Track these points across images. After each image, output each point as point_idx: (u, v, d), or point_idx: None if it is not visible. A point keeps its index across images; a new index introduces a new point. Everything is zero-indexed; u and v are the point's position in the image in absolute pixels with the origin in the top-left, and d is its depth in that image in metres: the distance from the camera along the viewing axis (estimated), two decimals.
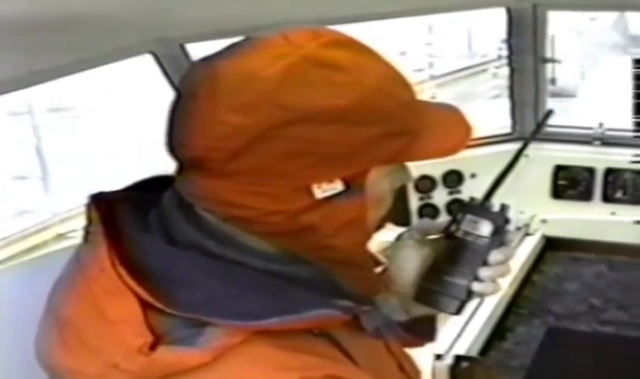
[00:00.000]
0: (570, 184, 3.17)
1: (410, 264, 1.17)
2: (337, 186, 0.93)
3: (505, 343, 2.69)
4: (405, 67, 1.02)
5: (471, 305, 2.65)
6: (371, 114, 0.92)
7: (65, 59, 1.65)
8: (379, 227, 1.05)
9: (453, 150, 1.03)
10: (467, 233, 1.11)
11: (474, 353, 2.42)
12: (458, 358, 2.10)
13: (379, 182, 0.99)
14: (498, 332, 2.71)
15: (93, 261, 0.97)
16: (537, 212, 3.25)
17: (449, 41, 12.99)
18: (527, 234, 3.26)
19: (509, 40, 3.08)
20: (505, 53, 3.18)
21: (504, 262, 1.13)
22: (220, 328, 0.90)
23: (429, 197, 3.08)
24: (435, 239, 1.17)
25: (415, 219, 3.07)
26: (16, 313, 1.40)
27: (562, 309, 2.91)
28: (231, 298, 0.92)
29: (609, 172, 3.11)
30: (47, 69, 1.62)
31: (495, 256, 1.12)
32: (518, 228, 3.28)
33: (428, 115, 1.01)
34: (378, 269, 1.12)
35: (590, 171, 3.13)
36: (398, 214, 2.94)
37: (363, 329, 1.07)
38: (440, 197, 3.09)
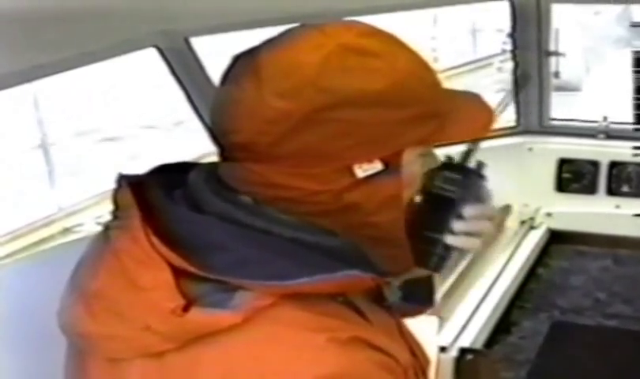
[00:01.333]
0: (574, 177, 3.17)
1: None
2: (377, 166, 0.98)
3: (510, 337, 2.70)
4: (429, 56, 1.07)
5: (475, 298, 2.67)
6: (406, 97, 0.98)
7: (68, 53, 1.65)
8: None
9: (481, 131, 1.10)
10: (441, 188, 1.12)
11: (479, 346, 2.43)
12: (463, 351, 2.10)
13: (413, 163, 1.03)
14: (504, 325, 2.72)
15: (124, 235, 0.99)
16: (542, 205, 3.25)
17: (454, 34, 12.96)
18: (532, 228, 3.26)
19: (513, 34, 3.08)
20: (509, 47, 3.18)
21: (479, 217, 1.14)
22: (250, 291, 0.93)
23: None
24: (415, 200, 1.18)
25: None
26: (23, 307, 1.41)
27: (567, 303, 2.92)
28: (261, 261, 0.95)
29: (613, 165, 3.10)
30: (51, 62, 1.62)
31: (468, 210, 1.12)
32: (523, 221, 3.28)
33: (456, 99, 1.07)
34: (415, 275, 1.12)
35: (595, 164, 3.13)
36: None
37: (381, 305, 1.09)
38: None
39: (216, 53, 2.04)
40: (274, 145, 0.95)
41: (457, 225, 1.12)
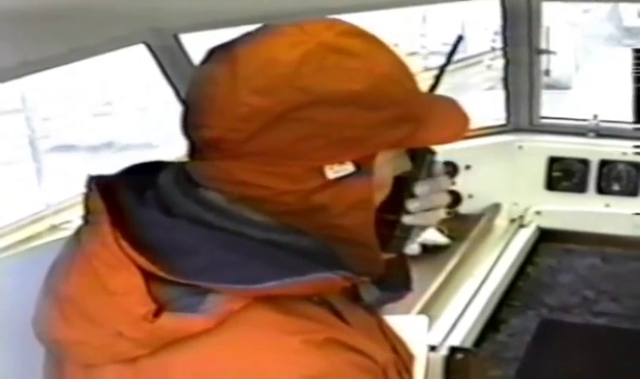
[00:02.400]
0: (564, 176, 3.17)
1: None
2: (348, 167, 0.97)
3: (498, 335, 2.70)
4: (410, 60, 1.07)
5: (464, 297, 2.67)
6: (382, 99, 0.97)
7: (58, 49, 1.64)
8: None
9: (453, 137, 1.07)
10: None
11: (468, 344, 2.43)
12: (453, 350, 2.10)
13: (384, 166, 1.02)
14: (493, 323, 2.72)
15: (94, 239, 0.98)
16: (531, 203, 3.26)
17: (443, 32, 12.98)
18: (521, 226, 3.27)
19: (504, 32, 3.08)
20: (499, 44, 3.18)
21: (433, 192, 1.14)
22: (221, 294, 0.92)
23: None
24: None
25: None
26: (10, 305, 1.40)
27: (556, 300, 2.93)
28: (232, 264, 0.94)
29: (603, 164, 3.11)
30: (40, 59, 1.61)
31: (420, 187, 1.12)
32: (512, 220, 3.28)
33: (431, 104, 1.06)
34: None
35: (584, 163, 3.13)
36: None
37: (359, 304, 1.09)
38: None
39: (205, 50, 2.03)
40: (244, 142, 0.93)
41: (411, 204, 1.12)
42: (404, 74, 1.02)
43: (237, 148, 0.94)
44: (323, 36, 0.96)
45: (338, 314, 1.02)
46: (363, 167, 0.98)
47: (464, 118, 1.07)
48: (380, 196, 1.05)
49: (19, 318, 1.32)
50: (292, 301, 0.96)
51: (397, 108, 0.98)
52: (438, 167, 1.14)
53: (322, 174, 0.96)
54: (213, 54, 1.00)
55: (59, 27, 1.50)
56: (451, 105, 1.09)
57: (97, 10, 1.50)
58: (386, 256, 1.15)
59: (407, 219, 1.13)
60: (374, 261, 1.06)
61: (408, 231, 1.14)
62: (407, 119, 0.99)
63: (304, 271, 0.95)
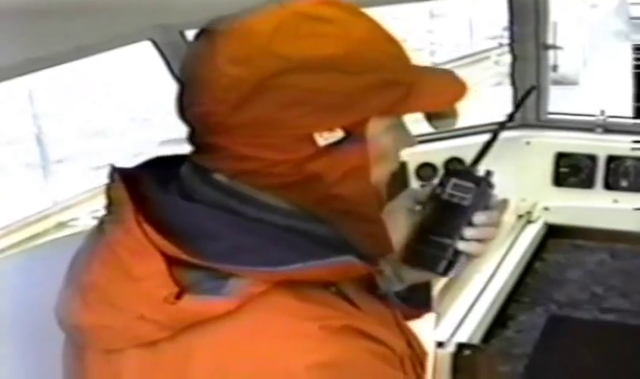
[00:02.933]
0: (571, 171, 3.16)
1: (400, 231, 1.19)
2: (338, 134, 0.97)
3: (507, 331, 2.69)
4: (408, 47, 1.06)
5: (472, 293, 2.67)
6: (363, 64, 0.97)
7: (64, 46, 1.64)
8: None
9: (449, 102, 1.07)
10: (452, 195, 1.15)
11: (476, 341, 2.42)
12: (460, 346, 2.10)
13: (381, 135, 1.02)
14: (500, 319, 2.71)
15: (117, 227, 0.99)
16: (539, 199, 3.25)
17: (451, 28, 12.96)
18: (529, 222, 3.26)
19: (511, 27, 3.07)
20: (506, 40, 3.17)
21: (489, 224, 1.17)
22: (243, 278, 0.92)
23: (430, 185, 3.07)
24: (424, 205, 1.20)
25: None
26: (18, 302, 1.40)
27: (564, 297, 2.92)
28: (253, 248, 0.95)
29: (611, 159, 3.10)
30: (46, 56, 1.61)
31: (479, 217, 1.15)
32: (520, 216, 3.28)
33: (424, 72, 1.05)
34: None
35: (592, 159, 3.12)
36: None
37: (376, 295, 1.09)
38: None
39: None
40: (230, 114, 0.94)
41: (467, 231, 1.15)
42: (386, 42, 1.02)
43: (224, 121, 0.95)
44: (298, 7, 0.97)
45: (354, 304, 1.02)
46: (354, 134, 0.97)
47: (460, 85, 1.06)
48: (383, 169, 1.05)
49: (27, 314, 1.33)
50: (311, 288, 0.96)
51: (381, 73, 0.98)
52: (496, 201, 1.17)
53: (313, 142, 0.96)
54: (197, 36, 1.02)
55: (64, 24, 1.49)
56: (447, 74, 1.08)
57: (103, 7, 1.50)
58: (421, 273, 1.19)
59: (461, 246, 1.15)
60: (381, 238, 1.07)
61: (457, 257, 1.16)
62: (395, 84, 0.99)
63: (326, 255, 0.96)
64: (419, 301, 1.27)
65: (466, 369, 2.00)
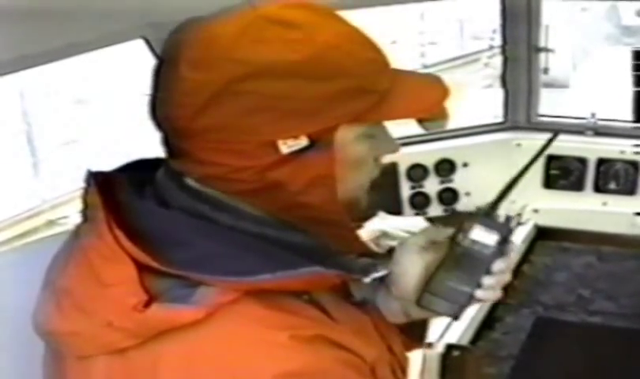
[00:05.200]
0: (562, 174, 3.17)
1: (414, 269, 1.16)
2: (302, 142, 0.95)
3: (493, 333, 2.70)
4: (393, 55, 1.04)
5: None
6: (328, 70, 0.94)
7: (55, 44, 1.64)
8: (371, 214, 1.06)
9: (426, 110, 1.04)
10: (474, 242, 1.14)
11: (465, 342, 2.43)
12: (449, 347, 2.10)
13: (352, 143, 1.00)
14: (487, 321, 2.72)
15: (91, 232, 0.99)
16: (529, 201, 3.25)
17: (442, 30, 12.97)
18: (518, 224, 3.26)
19: (503, 29, 3.08)
20: (497, 42, 3.17)
21: (506, 271, 1.16)
22: (212, 287, 0.92)
23: (421, 186, 3.07)
24: (440, 245, 1.17)
25: (406, 207, 3.06)
26: (8, 300, 1.40)
27: (551, 299, 2.92)
28: (224, 257, 0.94)
29: (601, 162, 3.11)
30: (38, 53, 1.60)
31: (498, 265, 1.14)
32: (509, 218, 3.28)
33: (399, 77, 1.02)
34: (380, 274, 1.13)
35: (582, 161, 3.13)
36: (390, 202, 2.94)
37: (352, 302, 1.09)
38: (432, 185, 3.08)
39: None
40: (194, 118, 0.94)
41: (486, 280, 1.14)
42: (359, 45, 0.99)
43: (189, 126, 0.95)
44: (266, 10, 0.95)
45: (327, 312, 1.01)
46: (320, 142, 0.96)
47: (440, 91, 1.03)
48: (358, 176, 1.04)
49: (16, 313, 1.32)
50: (282, 297, 0.95)
51: (349, 79, 0.95)
52: (512, 247, 1.17)
53: (276, 149, 0.95)
54: (168, 36, 1.02)
55: (57, 21, 1.49)
56: (428, 79, 1.05)
57: (95, 5, 1.50)
58: (431, 315, 1.19)
59: (479, 294, 1.14)
60: (351, 239, 1.06)
61: (471, 302, 1.16)
62: (364, 91, 0.96)
63: (296, 265, 0.95)
64: (414, 335, 1.26)
65: (455, 370, 2.01)
